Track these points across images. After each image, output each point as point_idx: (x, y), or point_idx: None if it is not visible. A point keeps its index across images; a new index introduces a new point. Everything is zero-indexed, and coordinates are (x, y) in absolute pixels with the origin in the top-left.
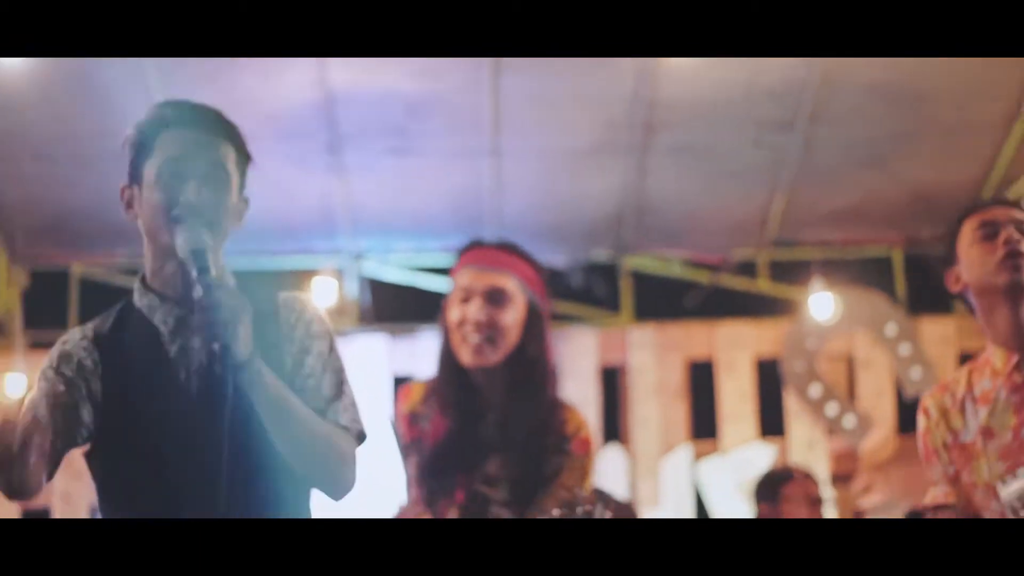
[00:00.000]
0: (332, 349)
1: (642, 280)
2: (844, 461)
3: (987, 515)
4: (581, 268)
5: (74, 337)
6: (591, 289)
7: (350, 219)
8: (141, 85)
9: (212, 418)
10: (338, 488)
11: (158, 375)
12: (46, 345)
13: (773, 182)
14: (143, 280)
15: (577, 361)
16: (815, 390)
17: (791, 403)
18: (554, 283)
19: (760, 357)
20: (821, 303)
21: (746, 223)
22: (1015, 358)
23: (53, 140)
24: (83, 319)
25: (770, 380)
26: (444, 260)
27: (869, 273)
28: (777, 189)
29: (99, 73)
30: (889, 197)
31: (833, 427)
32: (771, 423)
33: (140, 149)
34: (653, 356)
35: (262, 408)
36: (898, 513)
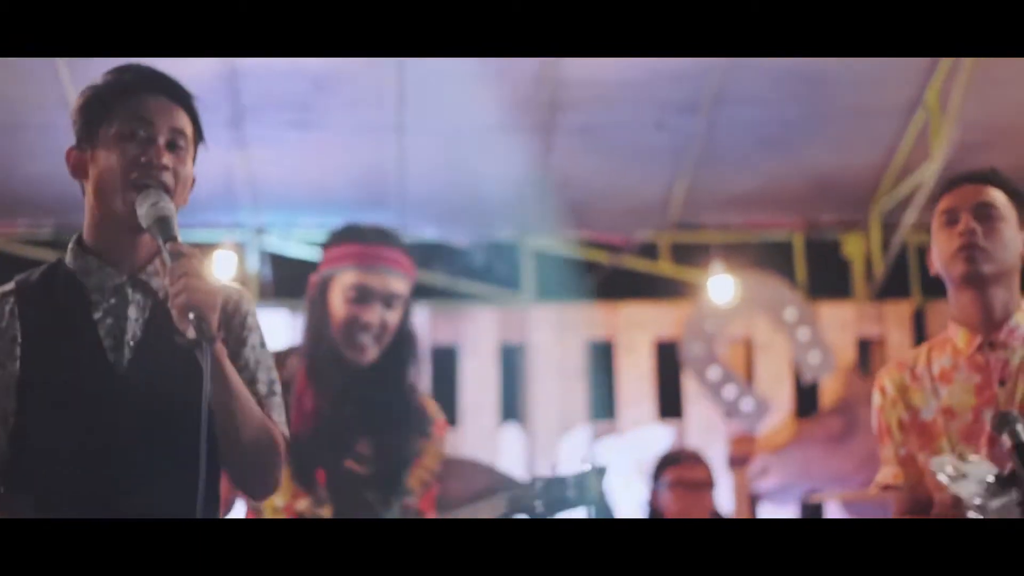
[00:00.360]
0: (263, 345)
1: (544, 260)
2: (741, 444)
3: (939, 496)
4: (483, 247)
5: None
6: (492, 268)
7: (251, 193)
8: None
9: (140, 396)
10: (266, 486)
11: (82, 343)
12: None
13: (676, 164)
14: (79, 240)
15: (477, 339)
16: (714, 373)
17: (690, 385)
18: (456, 261)
19: (660, 339)
20: (721, 286)
21: (648, 205)
22: (978, 339)
23: None
24: None
25: (669, 362)
26: None
27: (770, 257)
28: (680, 171)
29: None
30: (791, 181)
31: (731, 410)
32: (669, 405)
33: (95, 111)
34: (553, 336)
35: (218, 387)
36: (794, 497)
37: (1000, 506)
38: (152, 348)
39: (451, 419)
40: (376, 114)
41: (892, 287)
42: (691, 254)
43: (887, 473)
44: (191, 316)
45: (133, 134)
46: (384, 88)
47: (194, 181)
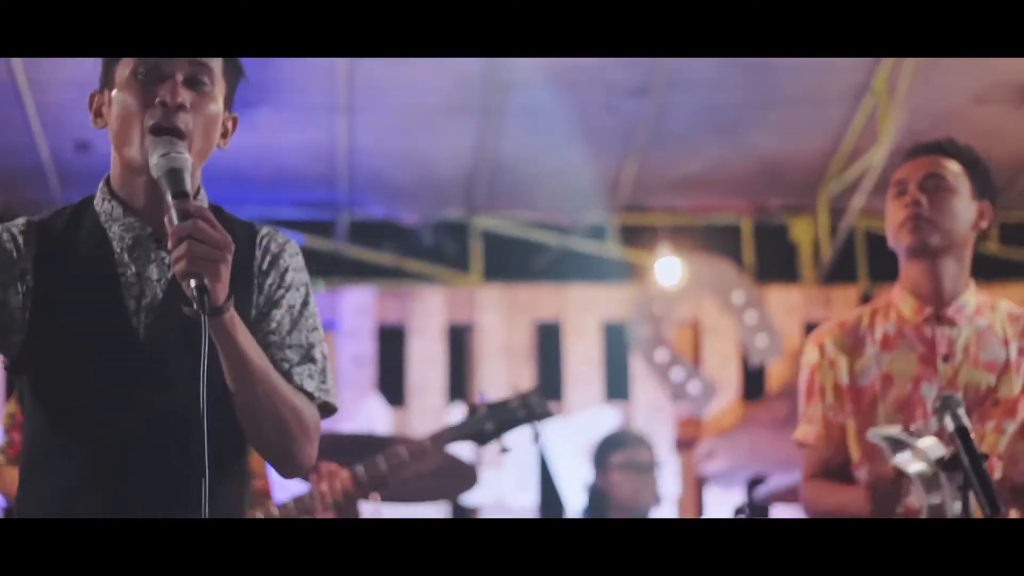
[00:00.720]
0: (306, 304)
1: (492, 240)
2: (688, 427)
3: (860, 472)
4: (432, 227)
5: (11, 223)
6: (441, 248)
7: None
8: None
9: (158, 367)
10: (295, 465)
11: (101, 298)
12: None
13: (625, 146)
14: (108, 182)
15: (425, 319)
16: (661, 355)
17: (637, 367)
18: (405, 241)
19: (607, 320)
20: (669, 269)
21: (596, 186)
22: (927, 310)
23: None
24: None
25: (617, 344)
26: (297, 213)
27: (718, 240)
28: (628, 154)
29: None
30: (739, 165)
31: (678, 392)
32: (616, 387)
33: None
34: (501, 316)
35: (227, 362)
36: (740, 479)
37: (939, 489)
38: (172, 314)
39: (399, 399)
40: (326, 93)
41: (840, 272)
42: (639, 236)
43: (808, 431)
44: (192, 284)
45: (148, 71)
46: (334, 67)
47: (236, 121)
